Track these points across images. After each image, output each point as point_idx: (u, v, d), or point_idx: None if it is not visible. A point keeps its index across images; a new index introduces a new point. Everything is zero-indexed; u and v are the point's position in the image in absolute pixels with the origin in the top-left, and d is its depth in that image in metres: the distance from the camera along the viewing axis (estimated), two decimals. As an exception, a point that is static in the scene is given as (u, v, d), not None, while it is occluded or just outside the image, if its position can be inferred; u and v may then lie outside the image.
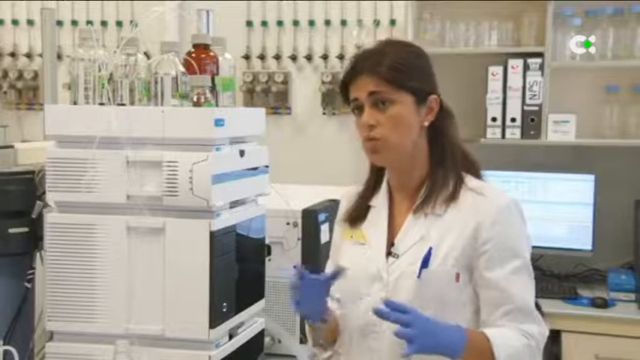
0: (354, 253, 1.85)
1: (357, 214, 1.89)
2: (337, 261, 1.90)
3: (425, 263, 1.73)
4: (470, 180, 1.81)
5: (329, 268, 1.97)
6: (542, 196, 3.54)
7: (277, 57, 4.04)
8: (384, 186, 1.88)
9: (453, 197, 1.77)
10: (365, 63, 1.77)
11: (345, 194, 1.97)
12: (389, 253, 1.80)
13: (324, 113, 4.00)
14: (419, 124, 1.79)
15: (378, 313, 1.60)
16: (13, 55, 4.35)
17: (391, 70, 1.74)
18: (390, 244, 1.81)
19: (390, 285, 1.77)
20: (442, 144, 1.82)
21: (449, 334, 1.63)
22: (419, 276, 1.73)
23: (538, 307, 1.80)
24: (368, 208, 1.88)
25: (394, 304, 1.61)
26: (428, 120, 1.80)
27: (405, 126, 1.76)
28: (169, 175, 2.10)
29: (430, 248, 1.74)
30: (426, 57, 1.85)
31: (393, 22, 3.88)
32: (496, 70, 3.53)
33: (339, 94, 1.87)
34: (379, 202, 1.87)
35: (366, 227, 1.86)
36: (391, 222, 1.84)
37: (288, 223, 2.67)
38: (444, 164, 1.80)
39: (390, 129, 1.74)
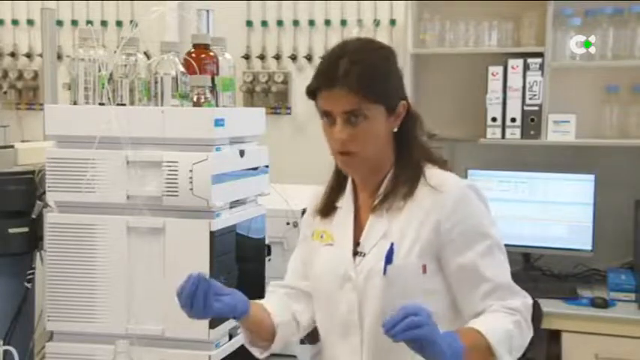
0: (324, 254, 1.85)
1: (326, 208, 1.89)
2: (306, 260, 1.91)
3: (388, 259, 1.74)
4: (431, 174, 1.79)
5: (293, 262, 1.97)
6: (542, 196, 3.54)
7: (277, 57, 4.04)
8: (348, 186, 1.88)
9: (410, 194, 1.77)
10: (337, 74, 1.71)
11: (313, 196, 1.97)
12: (356, 253, 1.80)
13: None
14: (389, 131, 1.79)
15: (388, 327, 1.54)
16: (13, 55, 4.35)
17: (365, 85, 1.71)
18: (357, 243, 1.81)
19: (359, 284, 1.77)
20: (407, 146, 1.81)
21: (448, 341, 1.59)
22: (384, 272, 1.73)
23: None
24: (335, 208, 1.88)
25: (405, 311, 1.55)
26: (396, 125, 1.79)
27: (377, 138, 1.76)
28: (169, 175, 2.10)
29: (392, 244, 1.75)
30: (395, 57, 1.82)
31: (393, 22, 3.88)
32: (496, 70, 3.53)
33: (308, 95, 1.81)
34: (345, 202, 1.87)
35: (333, 228, 1.86)
36: (358, 221, 1.84)
37: (288, 223, 2.67)
38: (407, 164, 1.80)
39: (363, 142, 1.74)
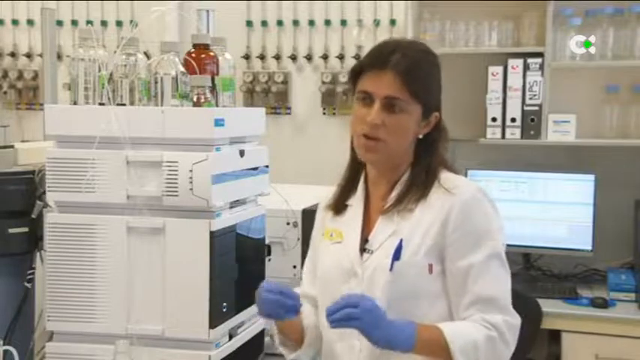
0: (331, 252, 1.87)
1: (337, 208, 1.91)
2: (316, 261, 1.93)
3: (396, 255, 1.75)
4: (446, 178, 1.81)
5: (306, 269, 2.01)
6: (542, 196, 3.54)
7: (277, 57, 4.04)
8: (360, 185, 1.89)
9: (422, 197, 1.79)
10: (393, 59, 1.75)
11: (325, 195, 1.98)
12: (363, 250, 1.82)
13: (324, 113, 4.00)
14: (416, 134, 1.81)
15: (327, 313, 1.64)
16: (13, 55, 4.35)
17: (412, 79, 1.74)
18: (365, 240, 1.83)
19: (365, 281, 1.78)
20: (428, 155, 1.83)
21: (399, 330, 1.65)
22: (391, 268, 1.74)
23: (520, 295, 1.79)
24: (346, 206, 1.89)
25: (340, 303, 1.63)
26: (423, 133, 1.82)
27: (406, 135, 1.79)
28: (169, 175, 2.10)
29: (401, 240, 1.76)
30: (440, 68, 1.85)
31: (393, 22, 3.88)
32: (496, 70, 3.53)
33: (350, 75, 1.84)
34: (356, 201, 1.88)
35: (343, 226, 1.88)
36: (367, 220, 1.86)
37: (288, 223, 2.67)
38: (422, 171, 1.82)
39: (392, 134, 1.76)
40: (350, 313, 1.61)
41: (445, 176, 1.81)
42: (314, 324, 1.92)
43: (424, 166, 1.82)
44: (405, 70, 1.74)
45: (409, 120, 1.77)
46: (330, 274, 1.85)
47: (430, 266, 1.75)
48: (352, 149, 1.87)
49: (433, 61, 1.84)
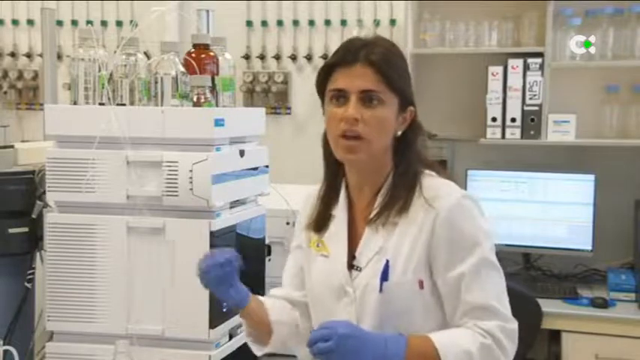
0: (319, 267, 1.81)
1: (319, 222, 1.83)
2: (307, 270, 1.86)
3: (384, 276, 1.70)
4: (428, 185, 1.74)
5: (286, 274, 1.93)
6: (542, 196, 3.54)
7: (277, 57, 4.04)
8: (342, 193, 1.82)
9: (404, 208, 1.72)
10: (360, 53, 1.69)
11: (307, 198, 1.91)
12: (352, 266, 1.76)
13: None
14: (395, 131, 1.74)
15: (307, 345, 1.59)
16: (13, 55, 4.35)
17: (387, 69, 1.69)
18: (352, 256, 1.77)
19: (357, 300, 1.74)
20: (407, 157, 1.76)
21: (386, 345, 1.60)
22: (380, 290, 1.70)
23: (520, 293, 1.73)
24: (330, 217, 1.82)
25: (314, 336, 1.59)
26: (401, 129, 1.75)
27: (386, 129, 1.71)
28: (169, 175, 2.10)
29: (387, 261, 1.71)
30: (407, 63, 1.81)
31: (393, 22, 3.88)
32: (496, 70, 3.53)
33: (319, 77, 1.77)
34: (339, 211, 1.81)
35: (328, 238, 1.81)
36: (353, 232, 1.79)
37: (288, 223, 2.67)
38: (404, 175, 1.75)
39: (372, 128, 1.68)
40: (321, 348, 1.55)
41: (427, 183, 1.74)
42: (284, 321, 1.85)
43: (405, 169, 1.75)
44: (377, 61, 1.68)
45: (388, 112, 1.70)
46: (320, 289, 1.80)
47: (421, 282, 1.70)
48: (326, 162, 1.82)
49: (402, 54, 1.79)
